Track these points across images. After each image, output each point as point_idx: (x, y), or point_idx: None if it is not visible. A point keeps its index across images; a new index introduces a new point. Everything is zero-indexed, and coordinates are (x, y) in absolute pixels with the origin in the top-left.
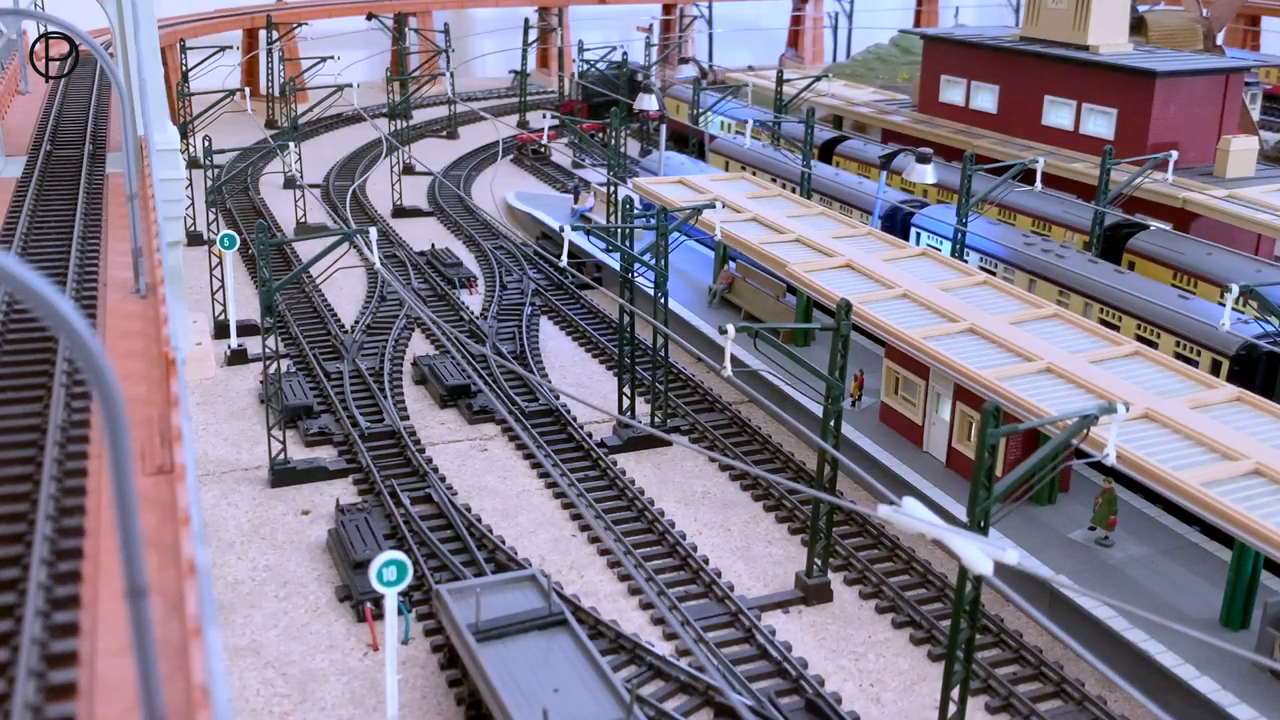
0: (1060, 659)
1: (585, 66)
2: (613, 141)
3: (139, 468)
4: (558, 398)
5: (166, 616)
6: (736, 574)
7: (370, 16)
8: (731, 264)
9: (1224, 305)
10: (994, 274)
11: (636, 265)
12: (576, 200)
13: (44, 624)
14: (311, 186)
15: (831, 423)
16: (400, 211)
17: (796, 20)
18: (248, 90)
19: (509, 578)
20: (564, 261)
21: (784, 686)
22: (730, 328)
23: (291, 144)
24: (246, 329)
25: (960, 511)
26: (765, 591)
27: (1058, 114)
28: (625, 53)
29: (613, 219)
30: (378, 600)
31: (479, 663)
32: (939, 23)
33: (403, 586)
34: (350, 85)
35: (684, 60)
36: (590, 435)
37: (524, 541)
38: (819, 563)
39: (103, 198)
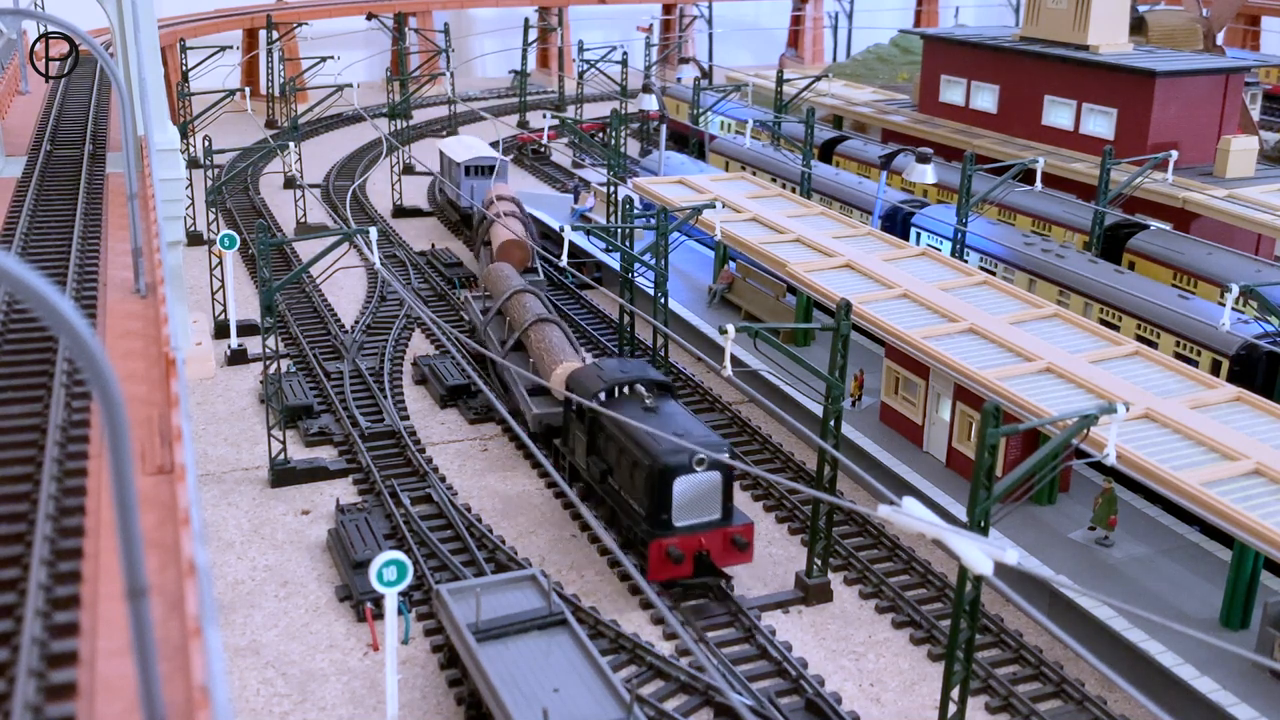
0: (1060, 659)
1: (585, 67)
2: (612, 141)
3: (139, 468)
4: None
5: (166, 616)
6: (736, 574)
7: (370, 16)
8: (731, 264)
9: (1224, 305)
10: (994, 274)
11: (636, 265)
12: (576, 200)
13: (44, 624)
14: (311, 186)
15: (831, 423)
16: (400, 211)
17: (796, 20)
18: (248, 90)
19: (509, 578)
20: (564, 261)
21: (784, 686)
22: (730, 328)
23: (291, 144)
24: (246, 329)
25: (960, 511)
26: (765, 591)
27: (1058, 114)
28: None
29: (613, 219)
30: (378, 600)
31: (479, 663)
32: (939, 23)
33: (403, 586)
34: (350, 85)
35: (684, 60)
36: None
37: (524, 541)
38: (819, 563)
39: (103, 198)
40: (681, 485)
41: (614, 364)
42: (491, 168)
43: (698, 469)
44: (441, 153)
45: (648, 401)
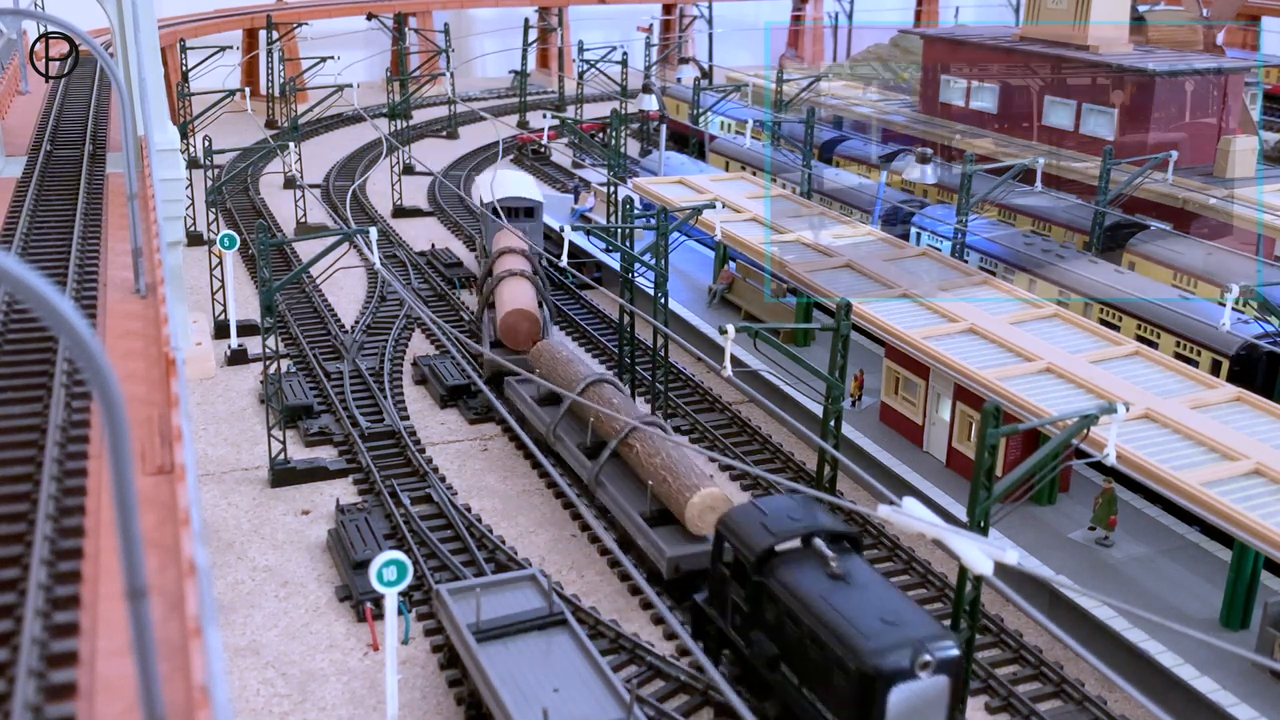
0: (1060, 659)
1: (585, 67)
2: (612, 142)
3: (139, 468)
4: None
5: (166, 616)
6: None
7: (370, 16)
8: (731, 264)
9: (1224, 305)
10: (994, 274)
11: (636, 265)
12: (576, 200)
13: (44, 624)
14: (311, 186)
15: (831, 423)
16: (400, 211)
17: (796, 20)
18: (248, 90)
19: (509, 578)
20: (564, 261)
21: None
22: (730, 328)
23: (291, 144)
24: (246, 329)
25: (960, 511)
26: None
27: (1058, 114)
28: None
29: (613, 219)
30: (378, 600)
31: (479, 663)
32: (939, 22)
33: (403, 586)
34: (350, 85)
35: (684, 60)
36: None
37: (524, 541)
38: None
39: (103, 198)
40: (899, 695)
41: (778, 506)
42: (531, 210)
43: (921, 674)
44: (478, 190)
45: (834, 565)
